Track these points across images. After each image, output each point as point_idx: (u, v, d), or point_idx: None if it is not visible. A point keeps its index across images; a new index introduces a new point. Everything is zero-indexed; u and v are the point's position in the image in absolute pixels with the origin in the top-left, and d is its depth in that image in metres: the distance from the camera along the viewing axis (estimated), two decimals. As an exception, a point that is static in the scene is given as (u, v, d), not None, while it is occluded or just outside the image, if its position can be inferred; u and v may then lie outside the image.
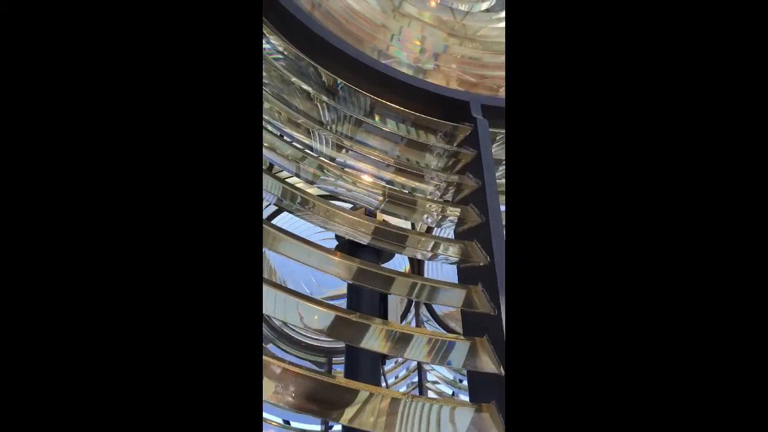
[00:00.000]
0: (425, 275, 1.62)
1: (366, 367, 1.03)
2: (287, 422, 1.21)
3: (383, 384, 1.18)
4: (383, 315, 1.15)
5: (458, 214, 0.74)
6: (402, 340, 0.62)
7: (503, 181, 1.01)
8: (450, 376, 1.46)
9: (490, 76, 1.07)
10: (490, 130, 0.97)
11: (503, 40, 1.07)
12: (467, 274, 0.68)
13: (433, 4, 1.10)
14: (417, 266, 1.62)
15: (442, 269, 1.65)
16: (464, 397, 1.48)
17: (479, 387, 0.60)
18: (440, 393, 1.45)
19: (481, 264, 0.65)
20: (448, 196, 0.82)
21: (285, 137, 0.79)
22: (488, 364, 0.57)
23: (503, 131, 0.98)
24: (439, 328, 1.55)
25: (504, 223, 0.66)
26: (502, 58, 1.04)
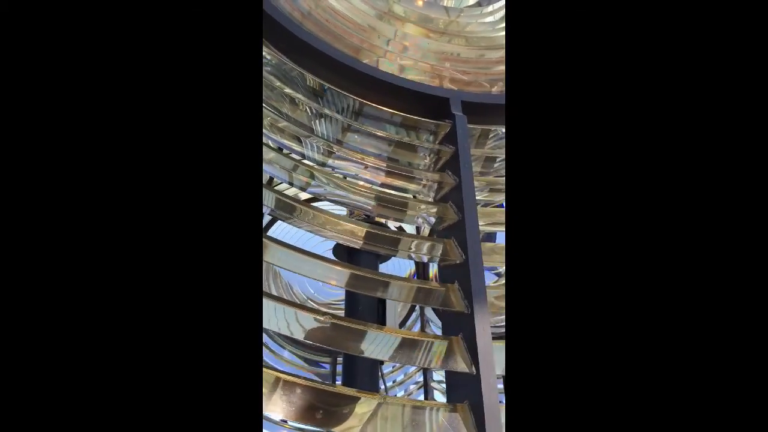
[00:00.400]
0: (431, 275, 1.61)
1: (363, 369, 1.02)
2: (284, 421, 1.21)
3: (381, 387, 1.17)
4: (381, 318, 1.14)
5: (439, 212, 0.74)
6: (378, 342, 0.62)
7: (498, 177, 1.01)
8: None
9: (482, 72, 1.06)
10: (480, 126, 0.97)
11: (491, 35, 1.06)
12: (446, 273, 0.67)
13: (420, 3, 1.09)
14: (422, 267, 1.61)
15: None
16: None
17: (454, 386, 0.60)
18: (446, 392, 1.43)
19: (458, 262, 0.64)
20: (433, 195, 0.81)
21: (272, 143, 0.79)
22: (461, 363, 0.56)
23: (488, 127, 0.97)
24: (445, 328, 1.54)
25: (478, 220, 0.65)
26: (490, 54, 1.03)
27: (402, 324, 1.62)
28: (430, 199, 0.78)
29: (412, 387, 1.51)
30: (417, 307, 1.56)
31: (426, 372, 1.41)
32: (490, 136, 1.03)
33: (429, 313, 1.56)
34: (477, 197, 1.05)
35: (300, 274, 0.70)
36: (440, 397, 1.42)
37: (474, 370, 0.54)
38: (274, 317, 0.59)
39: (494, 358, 0.54)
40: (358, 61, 0.80)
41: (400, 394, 1.47)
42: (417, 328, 1.59)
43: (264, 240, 0.64)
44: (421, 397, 1.41)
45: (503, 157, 1.01)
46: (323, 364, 1.47)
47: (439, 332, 1.55)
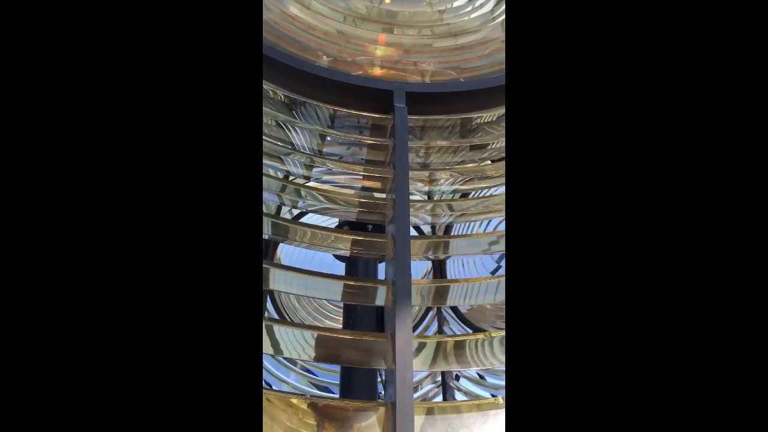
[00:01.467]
0: (447, 274, 1.58)
1: (360, 374, 1.02)
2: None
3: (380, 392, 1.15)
4: (379, 322, 1.13)
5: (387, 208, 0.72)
6: (321, 344, 0.61)
7: (483, 166, 0.98)
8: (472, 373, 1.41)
9: (454, 60, 1.03)
10: (458, 116, 0.94)
11: (458, 20, 1.03)
12: (387, 269, 0.66)
13: (388, 0, 1.07)
14: (439, 266, 1.58)
15: (464, 267, 1.60)
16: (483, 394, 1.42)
17: (385, 384, 0.58)
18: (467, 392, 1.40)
19: (392, 257, 0.62)
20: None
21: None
22: (382, 361, 0.54)
23: (469, 115, 0.95)
24: (464, 326, 1.50)
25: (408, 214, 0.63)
26: (459, 40, 1.00)
27: (418, 324, 1.60)
28: (384, 196, 0.77)
29: (428, 388, 1.49)
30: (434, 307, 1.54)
31: (444, 373, 1.38)
32: (472, 124, 1.00)
33: (446, 309, 1.53)
34: (463, 187, 1.02)
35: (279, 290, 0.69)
36: (461, 396, 1.39)
37: (393, 367, 0.52)
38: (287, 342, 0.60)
39: (412, 355, 0.52)
40: (303, 61, 0.80)
41: (416, 395, 1.44)
42: (435, 327, 1.56)
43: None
44: (439, 398, 1.39)
45: (485, 144, 0.98)
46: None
47: (457, 330, 1.51)
